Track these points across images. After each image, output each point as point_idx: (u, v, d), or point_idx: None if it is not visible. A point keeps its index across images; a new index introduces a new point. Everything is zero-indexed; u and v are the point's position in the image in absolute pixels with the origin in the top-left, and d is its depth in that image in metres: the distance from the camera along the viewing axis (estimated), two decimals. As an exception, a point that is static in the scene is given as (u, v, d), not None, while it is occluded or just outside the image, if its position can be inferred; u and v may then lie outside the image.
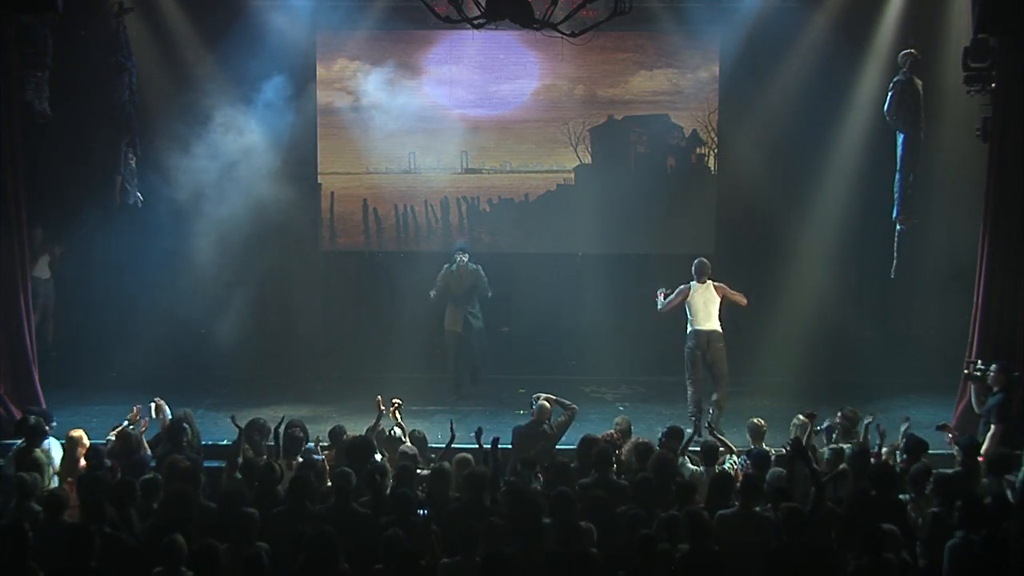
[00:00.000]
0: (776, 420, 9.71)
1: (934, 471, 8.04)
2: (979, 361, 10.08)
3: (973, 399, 9.98)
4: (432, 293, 12.45)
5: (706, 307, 11.02)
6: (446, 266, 12.47)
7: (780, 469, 8.18)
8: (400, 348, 13.58)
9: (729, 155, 13.91)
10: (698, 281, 11.10)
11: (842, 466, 8.35)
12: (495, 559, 6.57)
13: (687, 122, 13.95)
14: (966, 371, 10.05)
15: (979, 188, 11.07)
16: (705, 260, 11.24)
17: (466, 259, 12.38)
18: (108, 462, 8.51)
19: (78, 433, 8.98)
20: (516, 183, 14.10)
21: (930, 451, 8.64)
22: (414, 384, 12.38)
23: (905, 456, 8.54)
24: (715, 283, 11.11)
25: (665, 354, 12.17)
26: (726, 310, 11.20)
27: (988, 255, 10.77)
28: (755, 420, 9.36)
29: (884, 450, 8.89)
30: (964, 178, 11.80)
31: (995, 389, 9.63)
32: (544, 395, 9.64)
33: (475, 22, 8.19)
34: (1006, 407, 9.43)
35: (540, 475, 8.42)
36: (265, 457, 8.70)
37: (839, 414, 9.33)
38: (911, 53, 11.79)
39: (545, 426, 9.48)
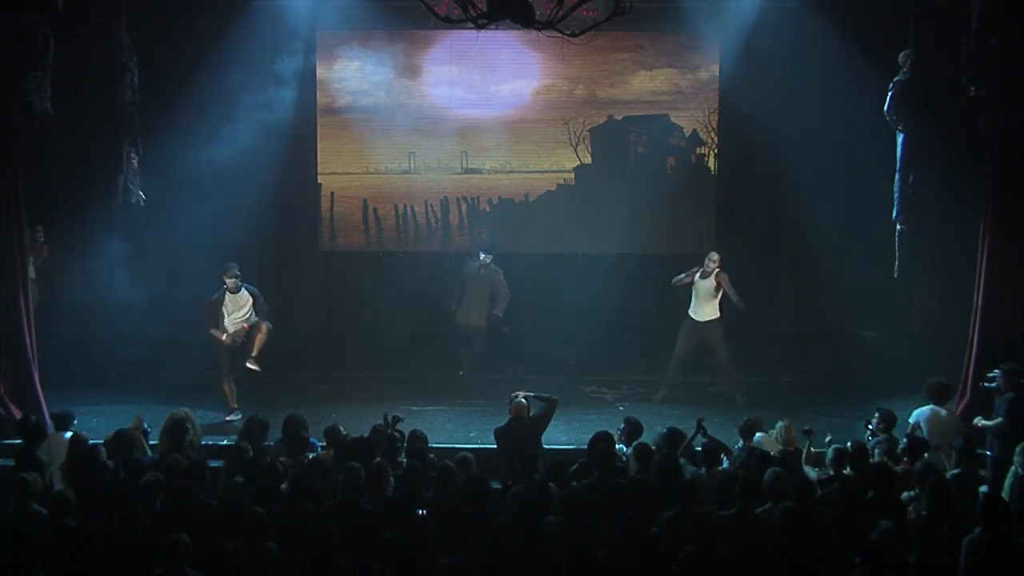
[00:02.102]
0: (775, 420, 9.68)
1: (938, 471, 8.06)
2: (992, 375, 10.02)
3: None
4: (453, 307, 12.49)
5: (709, 295, 11.81)
6: (472, 265, 12.49)
7: (778, 469, 8.17)
8: (400, 348, 13.60)
9: (729, 155, 13.92)
10: (706, 270, 11.81)
11: (846, 470, 8.35)
12: (495, 559, 6.57)
13: (687, 122, 13.96)
14: (984, 383, 9.99)
15: (979, 188, 11.06)
16: None
17: (488, 260, 12.41)
18: (109, 462, 8.50)
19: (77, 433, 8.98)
20: (516, 183, 14.10)
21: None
22: (414, 384, 12.41)
23: (905, 458, 8.56)
24: (720, 274, 11.83)
25: (665, 354, 12.17)
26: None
27: (988, 255, 10.77)
28: (747, 419, 9.37)
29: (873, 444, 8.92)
30: (964, 178, 11.79)
31: (1003, 391, 9.57)
32: (522, 392, 9.58)
33: (477, 22, 8.16)
34: (1017, 404, 9.38)
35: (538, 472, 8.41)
36: (275, 457, 8.69)
37: (876, 414, 9.29)
38: (912, 53, 11.79)
39: (525, 421, 9.39)
